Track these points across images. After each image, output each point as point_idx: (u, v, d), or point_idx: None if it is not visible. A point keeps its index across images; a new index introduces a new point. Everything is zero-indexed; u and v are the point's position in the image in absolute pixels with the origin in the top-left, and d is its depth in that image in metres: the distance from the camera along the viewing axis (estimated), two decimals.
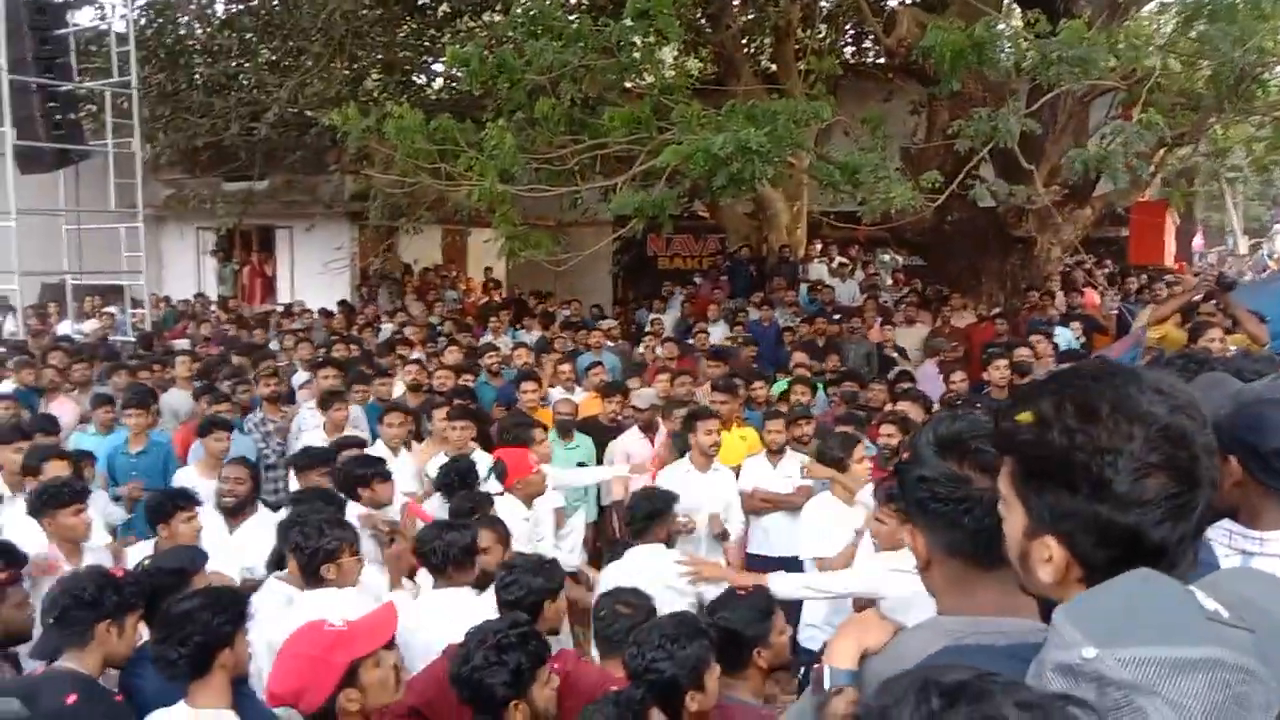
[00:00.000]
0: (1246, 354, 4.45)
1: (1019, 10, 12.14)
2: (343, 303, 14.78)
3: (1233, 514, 2.22)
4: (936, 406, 7.58)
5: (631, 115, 9.03)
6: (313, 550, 3.98)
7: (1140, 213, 15.16)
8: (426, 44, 16.54)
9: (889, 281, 15.14)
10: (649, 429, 7.50)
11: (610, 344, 10.98)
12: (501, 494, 5.53)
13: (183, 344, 11.92)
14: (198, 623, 3.12)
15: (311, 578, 3.98)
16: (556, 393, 8.35)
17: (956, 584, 1.54)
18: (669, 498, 5.04)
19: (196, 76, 15.54)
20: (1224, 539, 2.21)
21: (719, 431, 6.30)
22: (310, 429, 7.48)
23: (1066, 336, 9.90)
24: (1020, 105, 8.64)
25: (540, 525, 5.80)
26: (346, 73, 14.73)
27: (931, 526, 1.54)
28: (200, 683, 3.10)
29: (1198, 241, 25.31)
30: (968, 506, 1.48)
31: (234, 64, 15.64)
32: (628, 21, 8.95)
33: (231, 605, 3.30)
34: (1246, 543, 2.18)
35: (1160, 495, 1.22)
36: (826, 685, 1.54)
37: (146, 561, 4.08)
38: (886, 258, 16.64)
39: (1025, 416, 1.28)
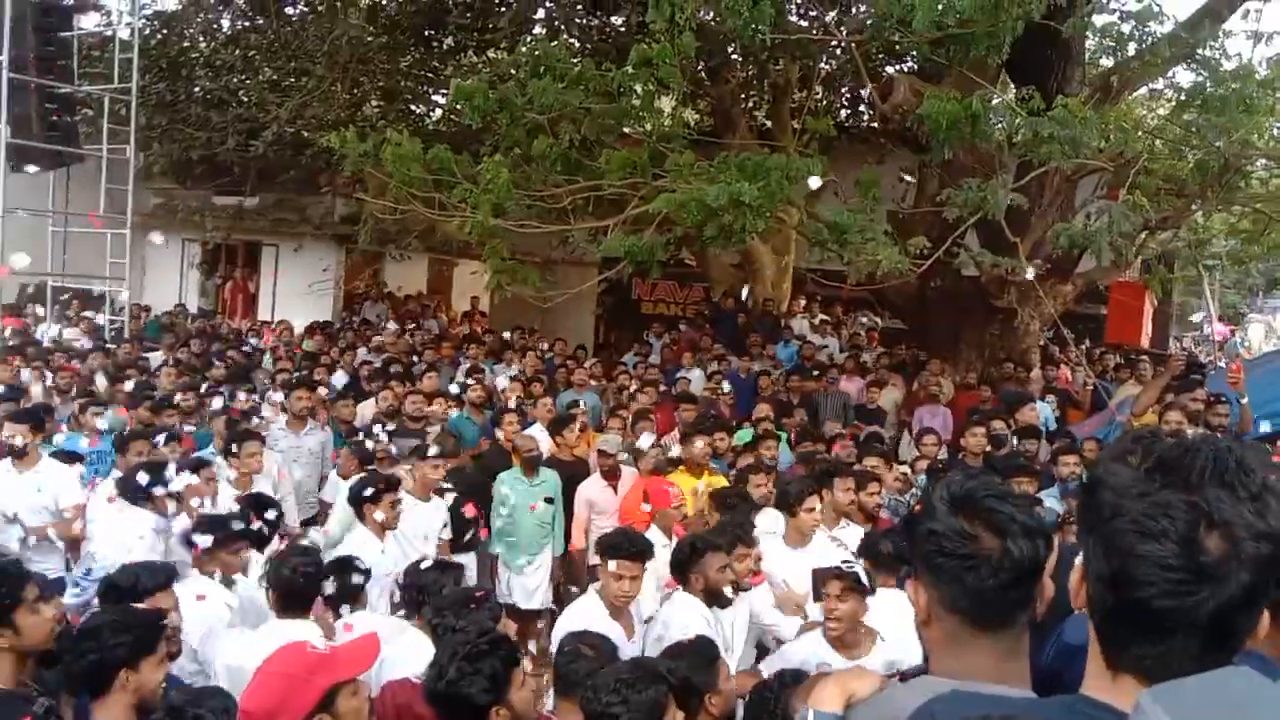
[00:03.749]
0: None
1: (1013, 86, 12.35)
2: (324, 324, 14.75)
3: None
4: (907, 470, 7.65)
5: (628, 160, 9.12)
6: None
7: (1119, 292, 15.36)
8: (429, 74, 16.67)
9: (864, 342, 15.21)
10: (611, 475, 7.36)
11: (593, 383, 10.98)
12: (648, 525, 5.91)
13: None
14: (98, 641, 3.06)
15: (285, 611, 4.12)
16: (536, 429, 8.32)
17: (953, 642, 1.55)
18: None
19: (197, 89, 15.57)
20: None
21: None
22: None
23: (1044, 411, 9.95)
24: (1009, 178, 8.76)
25: None
26: (347, 97, 14.81)
27: (935, 581, 1.55)
28: (100, 703, 3.03)
29: (1221, 328, 25.26)
30: (973, 564, 1.50)
31: (235, 80, 15.70)
32: (630, 68, 9.08)
33: (138, 627, 3.17)
34: None
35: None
36: None
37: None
38: (865, 319, 16.72)
39: None
